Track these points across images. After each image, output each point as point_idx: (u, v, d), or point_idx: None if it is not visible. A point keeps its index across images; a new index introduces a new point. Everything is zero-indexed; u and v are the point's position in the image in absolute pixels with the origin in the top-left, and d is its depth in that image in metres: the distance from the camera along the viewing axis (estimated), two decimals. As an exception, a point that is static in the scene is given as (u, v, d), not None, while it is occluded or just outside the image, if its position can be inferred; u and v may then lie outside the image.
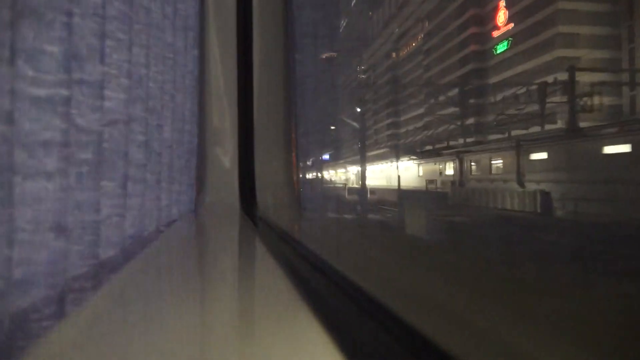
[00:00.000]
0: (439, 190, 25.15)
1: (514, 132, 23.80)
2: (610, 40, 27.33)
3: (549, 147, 18.25)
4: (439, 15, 39.35)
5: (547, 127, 22.25)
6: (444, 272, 0.85)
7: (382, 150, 41.06)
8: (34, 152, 0.72)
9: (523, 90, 25.26)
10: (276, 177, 2.25)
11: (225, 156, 2.08)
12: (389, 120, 46.14)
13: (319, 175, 40.93)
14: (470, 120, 30.05)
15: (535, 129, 22.72)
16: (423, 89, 39.16)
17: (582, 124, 19.66)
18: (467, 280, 0.74)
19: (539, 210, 15.59)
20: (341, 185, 26.96)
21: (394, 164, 37.83)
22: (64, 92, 0.76)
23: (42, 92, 0.73)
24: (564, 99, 21.38)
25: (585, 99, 21.86)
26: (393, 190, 24.76)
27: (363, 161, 22.08)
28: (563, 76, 21.96)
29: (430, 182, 27.95)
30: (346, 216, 15.64)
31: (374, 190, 24.03)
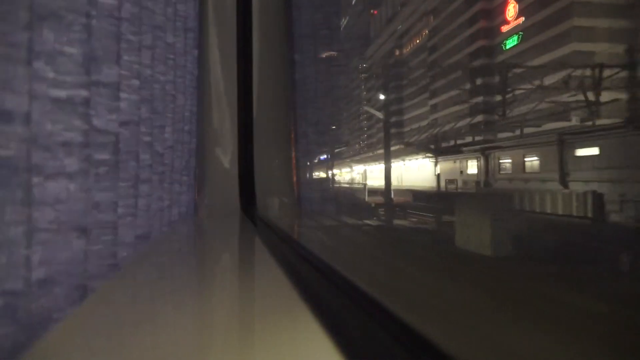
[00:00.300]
0: (461, 191, 22.85)
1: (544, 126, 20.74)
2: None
3: (603, 141, 15.55)
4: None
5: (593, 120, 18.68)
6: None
7: (394, 148, 40.78)
8: (56, 153, 0.72)
9: (566, 77, 21.42)
10: (276, 177, 2.25)
11: (225, 156, 2.09)
12: (420, 110, 41.95)
13: (329, 174, 39.66)
14: (494, 114, 27.17)
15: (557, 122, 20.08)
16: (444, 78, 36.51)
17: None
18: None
19: (590, 215, 13.56)
20: (359, 186, 24.54)
21: (408, 162, 34.72)
22: (84, 93, 0.77)
23: (62, 93, 0.73)
24: (621, 87, 18.27)
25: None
26: (416, 191, 21.80)
27: (387, 157, 18.58)
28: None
29: (450, 182, 25.28)
30: (373, 224, 14.22)
31: (397, 192, 21.27)
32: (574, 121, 19.78)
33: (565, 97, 20.83)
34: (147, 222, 1.16)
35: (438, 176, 28.14)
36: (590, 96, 19.25)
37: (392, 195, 17.16)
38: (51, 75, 0.71)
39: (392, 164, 39.02)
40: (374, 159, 39.84)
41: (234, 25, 2.08)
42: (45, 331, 0.66)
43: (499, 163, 21.11)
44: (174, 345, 0.48)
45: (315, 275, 0.98)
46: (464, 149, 24.81)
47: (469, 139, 26.83)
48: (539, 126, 21.13)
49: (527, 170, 19.03)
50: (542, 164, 18.54)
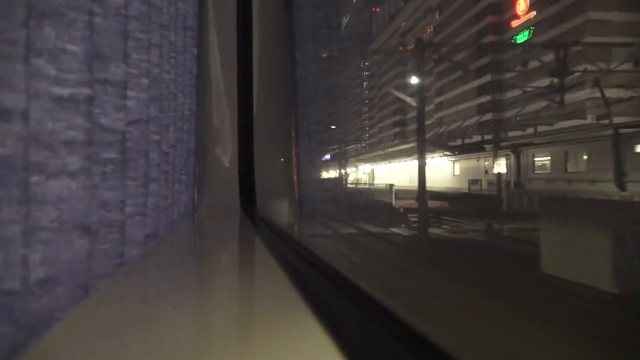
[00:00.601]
0: (490, 193, 19.47)
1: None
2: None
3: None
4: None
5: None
6: None
7: (408, 145, 33.69)
8: (57, 151, 0.72)
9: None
10: (276, 176, 2.25)
11: (225, 156, 2.09)
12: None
13: (341, 173, 36.53)
14: (529, 106, 23.38)
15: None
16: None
17: None
18: None
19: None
20: (383, 187, 21.05)
21: (424, 160, 33.08)
22: (87, 91, 0.77)
23: (64, 91, 0.73)
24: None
25: None
26: (436, 193, 18.13)
27: (421, 152, 14.90)
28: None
29: (473, 182, 22.07)
30: (404, 233, 12.02)
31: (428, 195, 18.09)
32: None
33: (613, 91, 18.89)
34: (156, 221, 1.16)
35: (462, 176, 24.97)
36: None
37: (426, 199, 13.40)
38: (53, 73, 0.71)
39: (402, 164, 34.31)
40: (383, 157, 37.46)
41: (234, 24, 2.08)
42: (46, 331, 0.66)
43: (534, 161, 18.03)
44: (174, 345, 0.48)
45: (315, 275, 0.98)
46: (488, 146, 22.15)
47: (481, 136, 24.24)
48: (583, 118, 18.48)
49: (570, 169, 16.16)
50: (590, 163, 15.45)
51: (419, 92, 15.35)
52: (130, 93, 0.94)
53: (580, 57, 19.33)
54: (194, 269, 0.98)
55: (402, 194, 17.39)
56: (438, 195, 15.49)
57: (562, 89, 18.33)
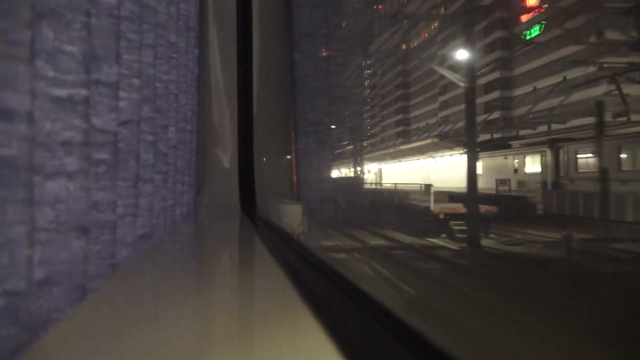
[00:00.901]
0: (524, 194, 16.77)
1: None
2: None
3: None
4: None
5: None
6: None
7: (422, 143, 29.37)
8: (55, 152, 0.72)
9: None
10: (276, 176, 2.25)
11: (225, 156, 2.09)
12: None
13: (358, 172, 29.85)
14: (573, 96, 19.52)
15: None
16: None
17: None
18: None
19: None
20: (415, 188, 17.80)
21: (438, 159, 27.53)
22: (84, 92, 0.77)
23: (62, 92, 0.73)
24: None
25: None
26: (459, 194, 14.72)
27: (471, 147, 11.50)
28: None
29: (501, 182, 19.07)
30: (454, 247, 9.78)
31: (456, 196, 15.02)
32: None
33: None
34: (150, 222, 1.16)
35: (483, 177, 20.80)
36: None
37: (473, 202, 10.44)
38: (51, 73, 0.71)
39: (416, 162, 31.54)
40: (394, 156, 34.25)
41: (234, 25, 2.08)
42: (44, 331, 0.67)
43: (576, 158, 15.55)
44: (174, 345, 0.48)
45: (315, 275, 0.98)
46: (522, 142, 19.11)
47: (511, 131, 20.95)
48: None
49: (626, 167, 13.77)
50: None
51: (468, 68, 11.81)
52: (121, 94, 0.94)
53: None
54: (193, 269, 0.99)
55: (442, 196, 14.44)
56: (463, 196, 12.86)
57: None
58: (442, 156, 27.64)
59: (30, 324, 0.65)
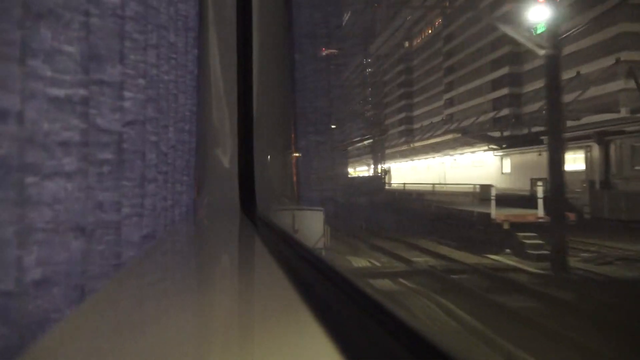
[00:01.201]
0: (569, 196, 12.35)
1: None
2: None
3: None
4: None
5: None
6: None
7: (440, 139, 26.21)
8: (53, 152, 0.72)
9: None
10: (276, 177, 2.25)
11: (225, 156, 2.09)
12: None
13: (379, 170, 25.39)
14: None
15: None
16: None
17: None
18: None
19: None
20: (466, 189, 15.04)
21: (458, 156, 24.49)
22: (83, 92, 0.77)
23: (60, 92, 0.73)
24: None
25: None
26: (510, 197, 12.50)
27: (556, 142, 7.79)
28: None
29: (536, 181, 15.58)
30: (543, 271, 6.89)
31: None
32: None
33: None
34: (154, 222, 1.16)
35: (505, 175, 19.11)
36: None
37: (558, 206, 7.85)
38: (49, 73, 0.71)
39: (430, 161, 28.08)
40: (405, 154, 30.97)
41: (234, 25, 2.09)
42: (42, 332, 0.66)
43: (632, 154, 13.41)
44: (174, 345, 0.48)
45: (315, 275, 0.98)
46: (573, 134, 15.55)
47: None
48: None
49: None
50: None
51: (551, 34, 8.50)
52: (126, 94, 0.94)
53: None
54: (193, 269, 0.98)
55: (506, 200, 11.20)
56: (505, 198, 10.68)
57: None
58: (461, 153, 24.58)
59: (23, 324, 0.64)
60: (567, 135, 14.85)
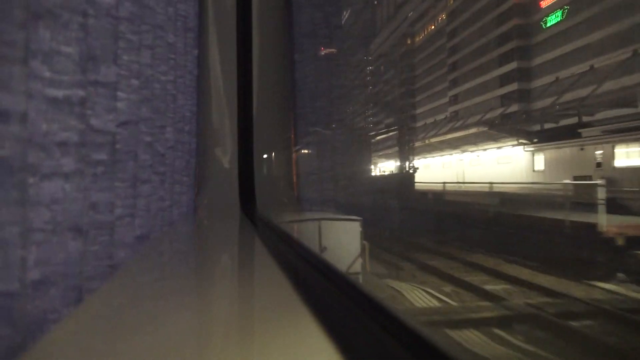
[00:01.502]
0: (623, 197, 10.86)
1: None
2: None
3: None
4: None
5: None
6: None
7: (463, 133, 23.19)
8: (52, 153, 0.72)
9: None
10: (276, 177, 2.25)
11: (225, 157, 2.09)
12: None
13: (407, 168, 20.67)
14: None
15: None
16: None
17: None
18: None
19: None
20: (555, 189, 12.42)
21: (480, 152, 21.88)
22: (81, 92, 0.77)
23: (59, 93, 0.73)
24: None
25: None
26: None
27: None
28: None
29: (580, 179, 13.79)
30: None
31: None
32: None
33: None
34: (148, 223, 1.16)
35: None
36: None
37: None
38: (47, 74, 0.71)
39: (446, 158, 25.14)
40: (417, 151, 26.02)
41: (234, 25, 2.09)
42: (41, 333, 0.66)
43: None
44: (174, 346, 0.48)
45: (315, 275, 0.98)
46: (605, 127, 13.90)
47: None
48: None
49: None
50: None
51: None
52: (120, 94, 0.94)
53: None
54: (193, 269, 0.98)
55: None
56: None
57: None
58: (484, 149, 21.87)
59: (24, 325, 0.65)
60: (613, 127, 13.54)
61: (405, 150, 22.12)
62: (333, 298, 0.81)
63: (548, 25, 24.55)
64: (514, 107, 23.53)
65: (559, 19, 23.48)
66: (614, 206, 8.67)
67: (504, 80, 25.93)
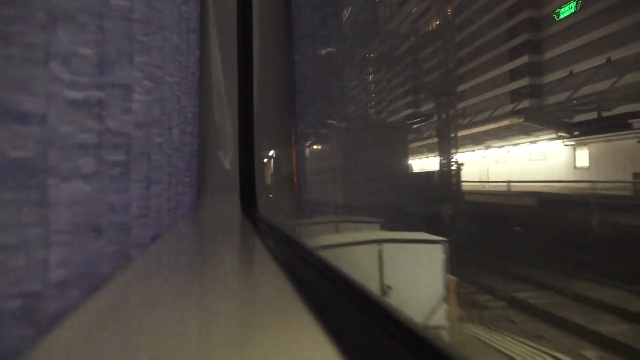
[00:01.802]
0: None
1: None
2: None
3: None
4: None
5: None
6: None
7: (494, 125, 19.74)
8: (71, 155, 0.72)
9: None
10: (276, 177, 2.26)
11: (226, 157, 2.10)
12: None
13: (451, 164, 16.42)
14: None
15: None
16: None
17: None
18: None
19: None
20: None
21: (510, 148, 18.82)
22: (99, 94, 0.77)
23: (78, 94, 0.74)
24: None
25: None
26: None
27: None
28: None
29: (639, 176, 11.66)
30: None
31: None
32: None
33: None
34: (159, 223, 1.17)
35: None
36: None
37: None
38: (67, 76, 0.71)
39: (469, 154, 20.94)
40: (432, 148, 22.24)
41: (235, 26, 2.09)
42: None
43: None
44: (173, 346, 0.48)
45: (315, 275, 0.99)
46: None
47: None
48: None
49: None
50: None
51: None
52: (135, 96, 0.95)
53: None
54: (194, 270, 0.99)
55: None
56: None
57: None
58: (514, 144, 18.99)
59: (46, 326, 0.65)
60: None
61: (445, 142, 17.60)
62: (333, 298, 0.81)
63: (561, 17, 22.35)
64: (551, 99, 20.27)
65: (573, 11, 20.63)
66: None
67: (525, 71, 23.57)
